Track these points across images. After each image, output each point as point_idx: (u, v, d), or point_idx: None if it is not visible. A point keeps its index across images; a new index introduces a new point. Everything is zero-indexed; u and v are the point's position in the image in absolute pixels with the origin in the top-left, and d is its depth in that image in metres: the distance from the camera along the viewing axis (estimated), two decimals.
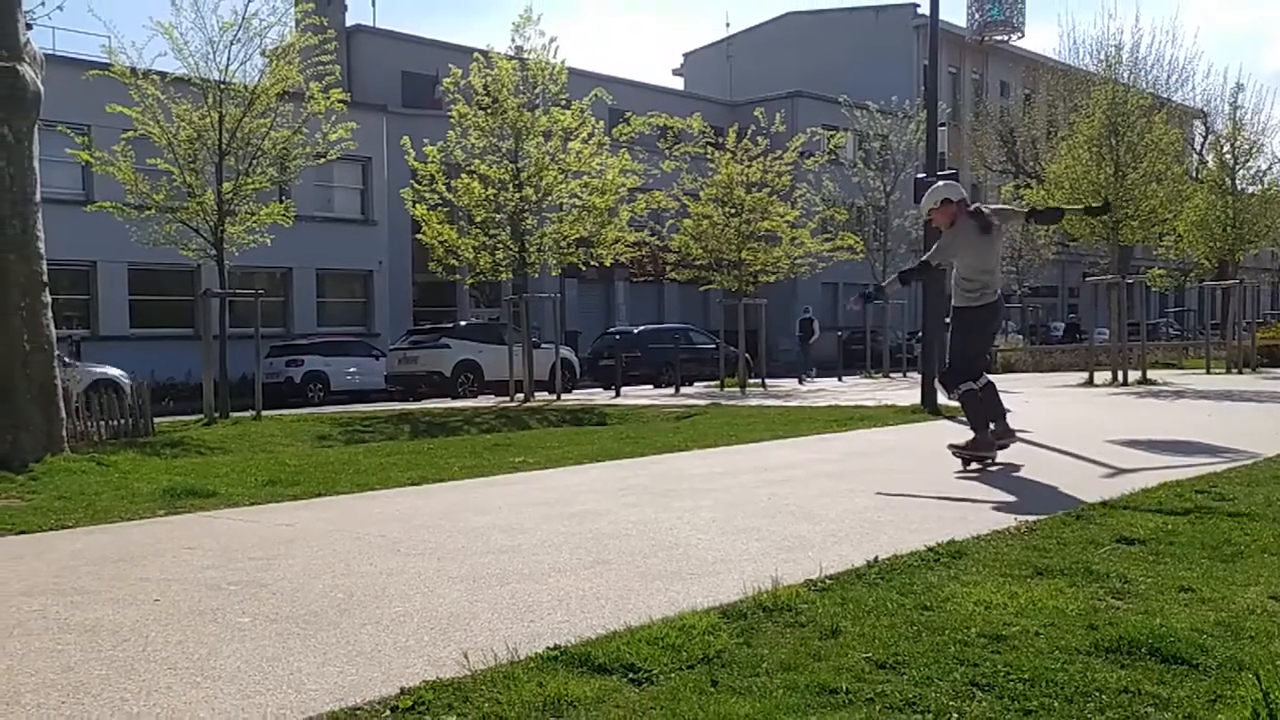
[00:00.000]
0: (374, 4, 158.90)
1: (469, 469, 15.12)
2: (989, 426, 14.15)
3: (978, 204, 14.78)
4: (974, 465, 13.86)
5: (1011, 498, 11.54)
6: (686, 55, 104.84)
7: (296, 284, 56.84)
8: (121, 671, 5.99)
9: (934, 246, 14.67)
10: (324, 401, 44.27)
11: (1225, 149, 54.78)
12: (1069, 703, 5.34)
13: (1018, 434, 15.10)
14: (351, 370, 48.02)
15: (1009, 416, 14.64)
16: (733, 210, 42.15)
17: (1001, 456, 14.23)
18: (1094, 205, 13.28)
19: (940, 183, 15.68)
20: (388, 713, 5.26)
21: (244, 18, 30.73)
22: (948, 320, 14.86)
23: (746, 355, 42.99)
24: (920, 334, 35.80)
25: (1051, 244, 66.82)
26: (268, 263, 47.35)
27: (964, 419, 21.88)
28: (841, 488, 12.67)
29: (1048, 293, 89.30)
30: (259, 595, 7.74)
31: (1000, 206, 15.39)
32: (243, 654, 6.29)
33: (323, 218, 54.98)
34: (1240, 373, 42.22)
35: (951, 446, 14.20)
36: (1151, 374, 37.78)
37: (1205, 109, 68.91)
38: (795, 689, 5.50)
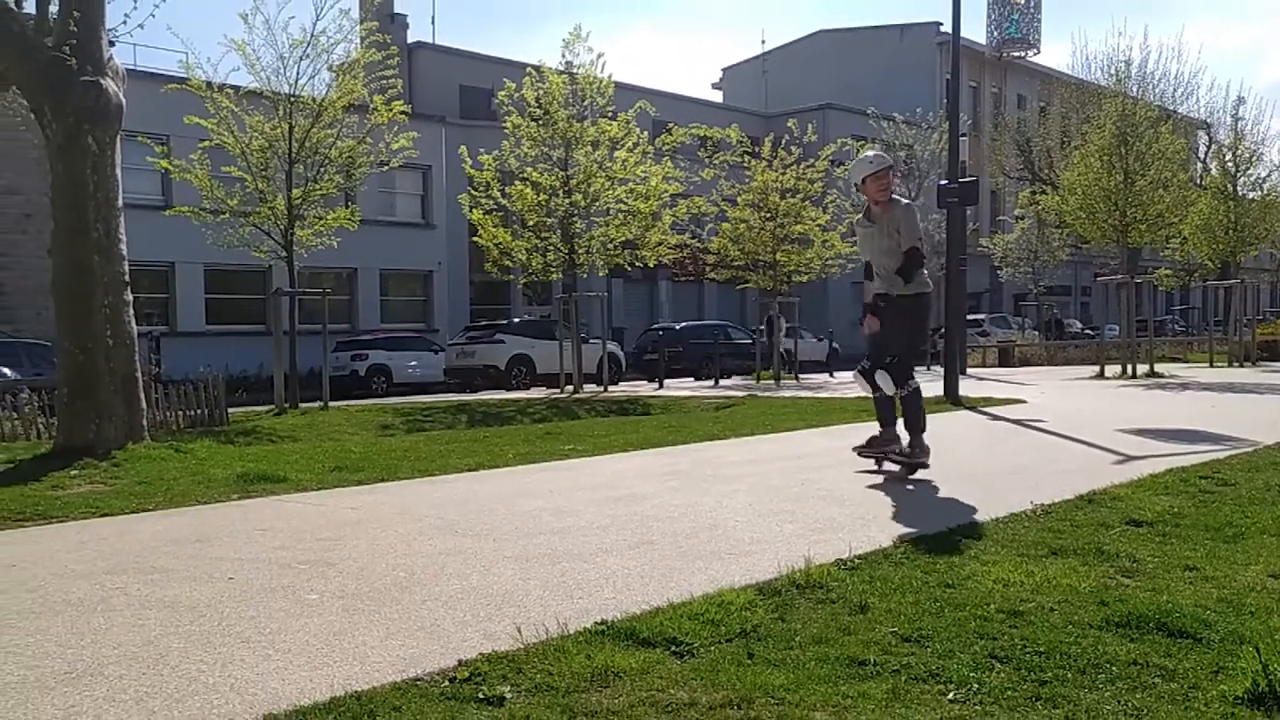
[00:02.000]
0: (434, 22, 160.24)
1: (522, 456, 15.10)
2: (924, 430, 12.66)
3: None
4: (919, 472, 12.41)
5: (1026, 482, 11.48)
6: (725, 70, 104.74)
7: (361, 283, 56.95)
8: (198, 645, 6.00)
9: (901, 230, 12.49)
10: (387, 393, 44.26)
11: (1227, 158, 54.59)
12: (1082, 674, 5.35)
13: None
14: (413, 364, 47.99)
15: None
16: (768, 215, 42.16)
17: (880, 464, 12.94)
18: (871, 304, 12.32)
19: (870, 154, 13.53)
20: (446, 683, 5.26)
21: (312, 35, 30.79)
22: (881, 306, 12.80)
23: (780, 350, 42.91)
24: (943, 330, 35.74)
25: (1065, 246, 66.52)
26: (334, 263, 47.39)
27: (984, 409, 21.91)
28: (870, 475, 12.63)
29: (1062, 292, 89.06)
30: (326, 574, 7.74)
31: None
32: (311, 628, 6.30)
33: (385, 221, 55.03)
34: (1241, 366, 42.33)
35: (866, 452, 12.94)
36: (1159, 368, 37.86)
37: (1208, 120, 68.65)
38: (826, 661, 5.51)
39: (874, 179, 12.71)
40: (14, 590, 7.44)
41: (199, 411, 23.50)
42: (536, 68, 35.63)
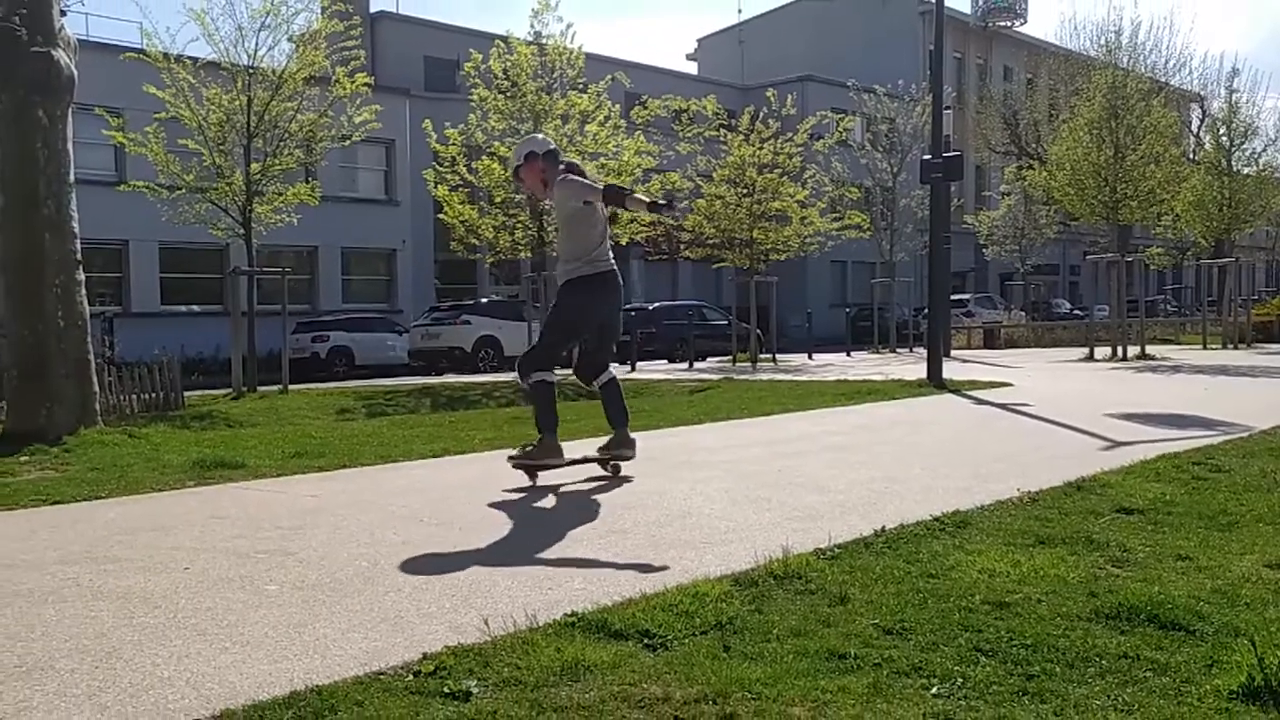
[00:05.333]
0: None
1: (489, 441, 15.10)
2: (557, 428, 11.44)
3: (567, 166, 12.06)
4: (541, 475, 11.24)
5: (1012, 468, 11.51)
6: (700, 41, 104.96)
7: (322, 262, 57.03)
8: (153, 638, 5.99)
9: (568, 199, 11.49)
10: (348, 376, 44.31)
11: (1221, 131, 54.98)
12: (1070, 667, 5.34)
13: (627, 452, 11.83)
14: (375, 346, 47.99)
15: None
16: (745, 191, 42.24)
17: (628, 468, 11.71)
18: (659, 202, 10.75)
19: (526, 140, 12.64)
20: (410, 677, 5.25)
21: (272, 4, 30.83)
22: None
23: (758, 331, 43.01)
24: (926, 310, 35.84)
25: (1053, 223, 66.81)
26: (294, 241, 47.41)
27: (969, 392, 21.97)
28: (850, 459, 12.68)
29: (1049, 271, 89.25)
30: (286, 564, 7.73)
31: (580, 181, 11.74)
32: (270, 620, 6.29)
33: (348, 198, 55.09)
34: (1235, 348, 42.43)
35: (511, 459, 11.46)
36: (1150, 349, 37.99)
37: (1202, 93, 68.98)
38: (805, 654, 5.50)
39: (526, 169, 11.82)
40: None
41: (154, 395, 23.46)
42: (504, 38, 35.64)
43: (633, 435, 11.82)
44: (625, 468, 11.51)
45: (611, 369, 12.01)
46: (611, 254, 11.99)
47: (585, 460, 11.72)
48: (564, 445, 11.41)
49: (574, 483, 11.16)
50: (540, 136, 13.01)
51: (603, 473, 11.51)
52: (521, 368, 11.57)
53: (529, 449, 11.32)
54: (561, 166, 11.91)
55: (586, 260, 11.55)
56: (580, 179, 11.70)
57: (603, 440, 12.01)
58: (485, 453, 13.94)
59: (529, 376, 11.43)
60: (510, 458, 11.39)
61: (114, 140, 32.27)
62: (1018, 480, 10.53)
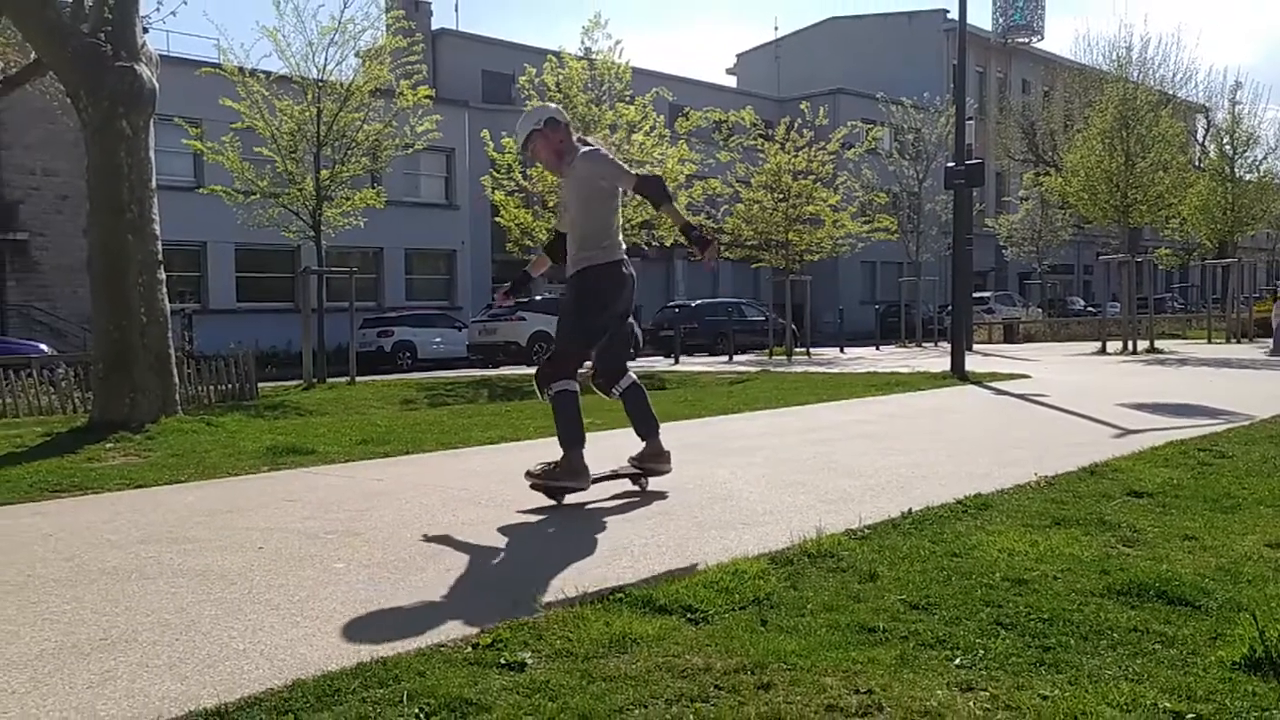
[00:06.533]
0: (457, 9, 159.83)
1: (542, 429, 15.06)
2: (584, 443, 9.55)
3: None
4: (567, 497, 9.42)
5: (1030, 454, 11.46)
6: (739, 56, 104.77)
7: (387, 262, 57.10)
8: (229, 612, 6.00)
9: (599, 178, 9.61)
10: (412, 369, 44.31)
11: (1225, 140, 54.81)
12: (1084, 640, 5.34)
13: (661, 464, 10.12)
14: (437, 340, 48.04)
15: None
16: (781, 196, 42.15)
17: (656, 484, 10.09)
18: (701, 233, 8.16)
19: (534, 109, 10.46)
20: (469, 649, 5.25)
21: (341, 22, 30.98)
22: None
23: (793, 326, 42.98)
24: (949, 307, 35.77)
25: (1068, 226, 66.50)
26: (361, 243, 47.59)
27: (990, 384, 21.88)
28: (879, 446, 12.64)
29: (1065, 270, 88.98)
30: (353, 544, 7.74)
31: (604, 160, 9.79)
32: (338, 596, 6.31)
33: (411, 202, 55.10)
34: (1238, 342, 42.57)
35: (529, 475, 9.41)
36: (1158, 344, 37.91)
37: (1207, 104, 68.72)
38: (837, 628, 5.51)
39: (541, 137, 9.82)
40: (51, 559, 7.45)
41: (230, 386, 23.53)
42: (556, 54, 35.62)
43: (666, 447, 10.04)
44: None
45: (631, 373, 10.20)
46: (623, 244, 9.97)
47: (615, 476, 9.88)
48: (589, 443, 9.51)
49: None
50: (554, 106, 10.56)
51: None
52: (540, 378, 9.66)
53: (550, 468, 9.40)
54: (582, 141, 10.02)
55: (604, 246, 9.66)
56: (612, 157, 9.86)
57: (636, 447, 10.07)
58: (539, 440, 13.93)
59: (550, 387, 9.55)
60: (528, 474, 9.38)
61: (193, 149, 32.55)
62: (1035, 465, 10.51)
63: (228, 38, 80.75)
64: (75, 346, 39.79)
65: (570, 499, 9.29)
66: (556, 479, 9.29)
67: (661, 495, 9.48)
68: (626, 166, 9.92)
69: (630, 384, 10.00)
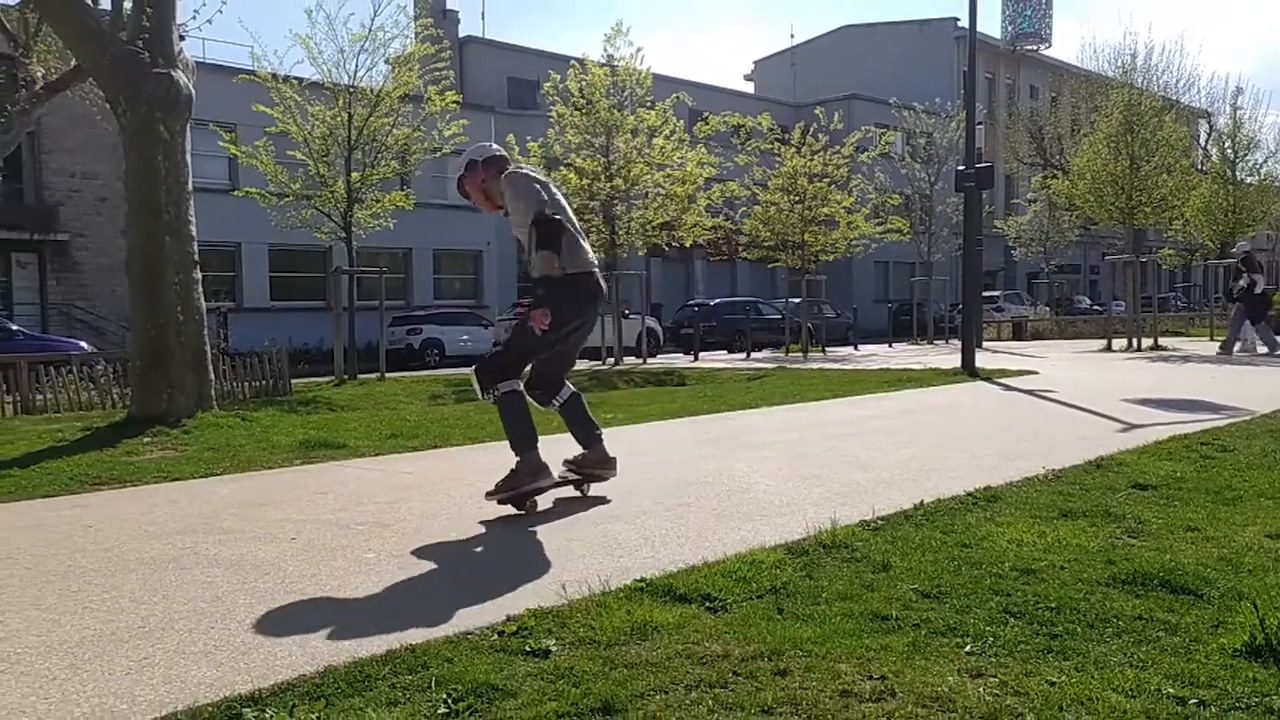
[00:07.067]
0: (483, 17, 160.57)
1: (565, 425, 15.10)
2: (536, 445, 8.86)
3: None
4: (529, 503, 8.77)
5: (1038, 448, 11.45)
6: (756, 63, 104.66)
7: (415, 262, 57.19)
8: (263, 601, 6.03)
9: (511, 202, 9.04)
10: (439, 365, 44.30)
11: (1226, 144, 54.80)
12: (1090, 628, 5.35)
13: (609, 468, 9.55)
14: (464, 338, 47.98)
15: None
16: (797, 198, 42.18)
17: (598, 488, 9.57)
18: (533, 302, 7.54)
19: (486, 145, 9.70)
20: (495, 637, 5.26)
21: (371, 30, 31.08)
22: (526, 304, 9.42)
23: (809, 325, 42.99)
24: (960, 305, 35.80)
25: (1075, 227, 66.41)
26: (390, 244, 47.71)
27: (999, 380, 21.85)
28: (892, 441, 12.62)
29: (1071, 270, 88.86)
30: (383, 535, 7.76)
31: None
32: (369, 586, 6.34)
33: (439, 204, 55.04)
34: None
35: (491, 495, 8.62)
36: (1162, 341, 37.74)
37: (1209, 110, 68.63)
38: (851, 616, 5.52)
39: (467, 179, 9.39)
40: (91, 550, 7.48)
41: (264, 382, 23.55)
42: (580, 61, 35.77)
43: (612, 454, 9.49)
44: (688, 449, 11.42)
45: (569, 384, 9.60)
46: (591, 255, 9.21)
47: (563, 482, 9.29)
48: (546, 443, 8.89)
49: (642, 462, 11.13)
50: (487, 144, 9.73)
51: (673, 457, 11.42)
52: (481, 377, 8.76)
53: (510, 477, 8.69)
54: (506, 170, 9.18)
55: (558, 265, 8.74)
56: (527, 181, 9.00)
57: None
58: (562, 434, 13.94)
59: (496, 388, 8.72)
60: (489, 494, 8.62)
61: (228, 152, 32.64)
62: (1043, 459, 10.50)
63: (261, 45, 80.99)
64: (114, 344, 39.81)
65: (595, 489, 9.29)
66: (521, 485, 8.67)
67: (689, 483, 9.47)
68: (543, 196, 8.87)
69: (570, 395, 9.50)
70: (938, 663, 4.85)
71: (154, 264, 16.39)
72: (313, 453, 12.64)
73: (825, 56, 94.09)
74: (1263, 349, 30.45)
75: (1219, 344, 33.23)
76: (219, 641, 5.34)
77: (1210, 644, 5.11)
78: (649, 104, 35.78)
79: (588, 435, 9.42)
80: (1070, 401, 16.97)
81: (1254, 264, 30.61)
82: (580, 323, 9.09)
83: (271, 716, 4.32)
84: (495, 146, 9.54)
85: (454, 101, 33.03)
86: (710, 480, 9.92)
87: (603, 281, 9.23)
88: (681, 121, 36.47)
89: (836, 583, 6.14)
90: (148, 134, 16.50)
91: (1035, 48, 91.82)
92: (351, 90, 30.83)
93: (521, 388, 8.88)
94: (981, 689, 4.53)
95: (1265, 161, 56.65)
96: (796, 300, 44.05)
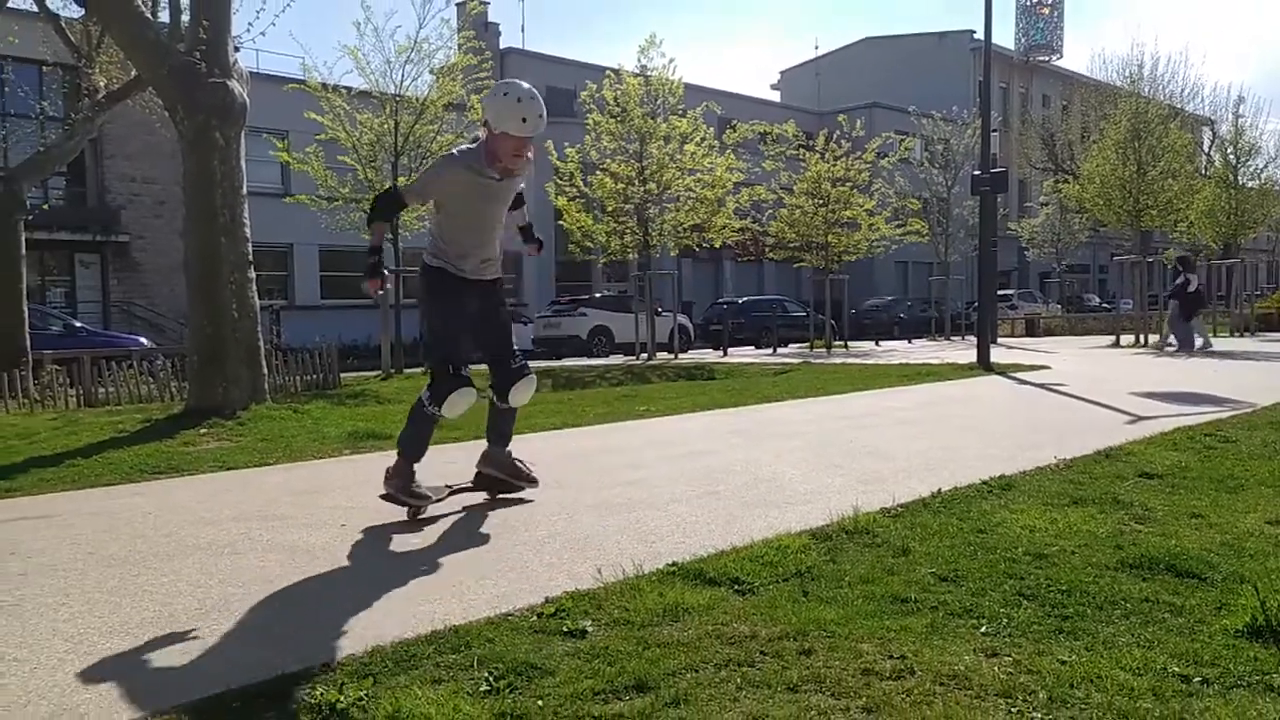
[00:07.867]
0: (523, 29, 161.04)
1: (601, 416, 15.10)
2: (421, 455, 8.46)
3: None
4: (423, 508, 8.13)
5: (1050, 439, 11.42)
6: (782, 73, 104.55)
7: None
8: (313, 584, 6.09)
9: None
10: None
11: (1229, 150, 54.56)
12: (1099, 610, 5.37)
13: (530, 477, 8.98)
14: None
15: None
16: (821, 201, 42.06)
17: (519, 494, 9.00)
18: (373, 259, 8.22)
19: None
20: (534, 618, 5.28)
21: (416, 42, 31.03)
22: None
23: (832, 321, 42.99)
24: (975, 303, 35.78)
25: (1085, 229, 66.21)
26: None
27: (1013, 374, 21.80)
28: (911, 432, 12.61)
29: (1081, 270, 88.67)
30: (427, 521, 7.79)
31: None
32: (414, 569, 6.37)
33: None
34: (1242, 337, 42.36)
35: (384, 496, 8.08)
36: (1168, 338, 37.62)
37: (1212, 117, 68.42)
38: (872, 598, 5.54)
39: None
40: (150, 535, 7.52)
41: (314, 376, 23.57)
42: (615, 71, 35.71)
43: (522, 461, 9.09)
44: (717, 439, 11.41)
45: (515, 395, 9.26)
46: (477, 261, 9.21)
47: (459, 490, 8.83)
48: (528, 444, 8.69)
49: (673, 452, 11.15)
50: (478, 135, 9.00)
51: (704, 447, 11.42)
52: (432, 389, 8.78)
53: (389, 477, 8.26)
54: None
55: (437, 250, 9.04)
56: (437, 162, 8.97)
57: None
58: (598, 426, 13.94)
59: (430, 404, 8.68)
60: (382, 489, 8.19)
61: (280, 158, 32.60)
62: (1055, 449, 10.49)
63: (312, 56, 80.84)
64: (172, 340, 39.93)
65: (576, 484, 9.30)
66: (403, 489, 8.13)
67: (718, 472, 9.48)
68: (423, 177, 9.00)
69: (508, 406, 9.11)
70: (955, 643, 4.86)
71: (211, 264, 16.43)
72: (361, 443, 12.69)
73: (848, 67, 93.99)
74: (1171, 345, 30.61)
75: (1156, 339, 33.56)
76: (271, 622, 5.41)
77: (1213, 625, 5.13)
78: (680, 112, 35.73)
79: (501, 438, 9.13)
80: (1080, 395, 16.95)
81: (1189, 265, 30.83)
82: (443, 313, 8.96)
83: (322, 694, 4.34)
84: (480, 134, 8.82)
85: None
86: (738, 469, 9.91)
87: (467, 281, 9.04)
88: (711, 129, 36.45)
89: (858, 567, 6.16)
90: (204, 141, 16.54)
91: (1047, 58, 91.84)
92: (398, 99, 30.79)
93: (461, 398, 8.64)
94: (996, 667, 4.54)
95: (1265, 167, 56.42)
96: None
